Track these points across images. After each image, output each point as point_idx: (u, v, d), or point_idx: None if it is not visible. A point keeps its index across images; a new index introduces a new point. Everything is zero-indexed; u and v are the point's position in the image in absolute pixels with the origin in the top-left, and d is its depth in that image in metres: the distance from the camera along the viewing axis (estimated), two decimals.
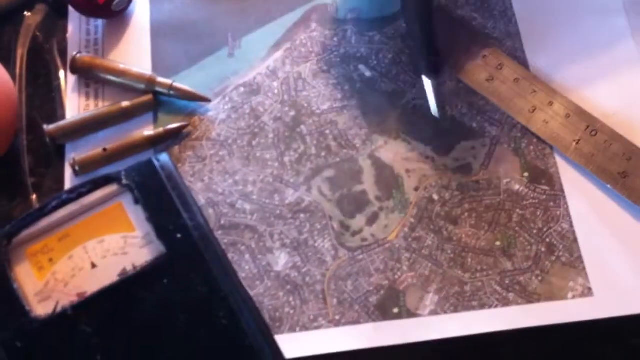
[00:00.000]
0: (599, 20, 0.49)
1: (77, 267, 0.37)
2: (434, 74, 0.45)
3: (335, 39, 0.49)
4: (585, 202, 0.44)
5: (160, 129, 0.45)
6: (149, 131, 0.45)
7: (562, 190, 0.44)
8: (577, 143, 0.44)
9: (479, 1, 0.50)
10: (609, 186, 0.43)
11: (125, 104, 0.46)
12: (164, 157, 0.39)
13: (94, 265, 0.37)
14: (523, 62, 0.48)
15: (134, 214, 0.38)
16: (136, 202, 0.38)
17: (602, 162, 0.44)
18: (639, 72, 0.47)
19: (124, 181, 0.38)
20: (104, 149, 0.44)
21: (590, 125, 0.45)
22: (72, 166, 0.44)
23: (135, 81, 0.46)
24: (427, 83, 0.45)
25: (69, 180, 0.45)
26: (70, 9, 0.49)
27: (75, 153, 0.45)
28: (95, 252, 0.38)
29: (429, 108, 0.46)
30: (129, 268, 0.37)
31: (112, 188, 0.39)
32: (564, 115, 0.45)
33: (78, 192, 0.38)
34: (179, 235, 0.37)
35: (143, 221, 0.38)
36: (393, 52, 0.48)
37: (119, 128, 0.46)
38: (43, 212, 0.38)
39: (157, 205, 0.38)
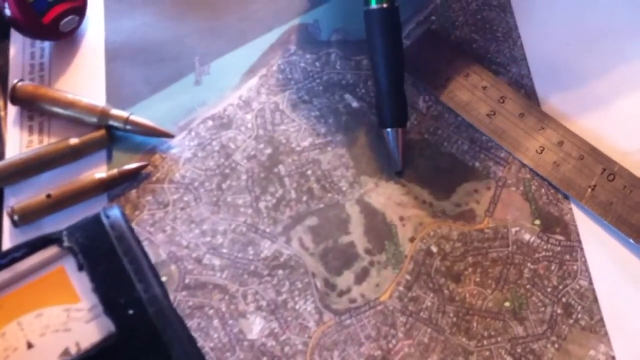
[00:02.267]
0: (617, 43, 0.43)
1: (10, 347, 0.31)
2: (401, 123, 0.39)
3: (318, 63, 0.43)
4: (606, 254, 0.38)
5: (115, 171, 0.39)
6: (101, 173, 0.39)
7: (579, 241, 0.38)
8: (592, 189, 0.39)
9: (479, 21, 0.44)
10: (630, 240, 0.37)
11: (73, 141, 0.39)
12: (114, 213, 0.33)
13: (30, 345, 0.31)
14: (530, 92, 0.42)
15: (79, 282, 0.32)
16: (80, 268, 0.32)
17: (622, 211, 0.38)
18: None
19: (66, 243, 0.32)
20: (48, 195, 0.38)
21: (607, 168, 0.39)
22: (11, 216, 0.38)
23: (86, 114, 0.40)
24: (392, 134, 0.39)
25: (7, 232, 0.38)
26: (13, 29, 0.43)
27: (15, 199, 0.39)
28: (32, 328, 0.31)
29: (424, 145, 0.40)
30: (73, 349, 0.31)
31: (52, 251, 0.33)
32: (577, 157, 0.39)
33: (10, 258, 0.32)
34: (131, 311, 0.31)
35: (89, 291, 0.32)
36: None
37: (67, 169, 0.40)
38: None
39: (106, 272, 0.32)
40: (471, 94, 0.41)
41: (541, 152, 0.40)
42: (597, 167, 0.39)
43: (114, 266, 0.32)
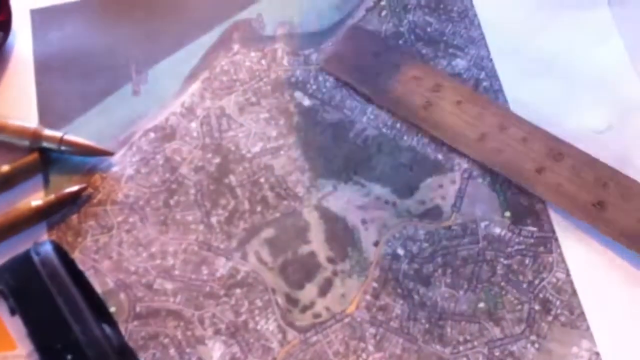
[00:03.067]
0: (578, 16, 0.41)
1: None
2: None
3: (264, 61, 0.40)
4: (582, 244, 0.36)
5: (52, 196, 0.36)
6: (37, 200, 0.36)
7: (553, 231, 0.36)
8: (539, 172, 0.36)
9: (433, 2, 0.42)
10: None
11: (4, 168, 0.36)
12: (45, 249, 0.30)
13: None
14: (491, 74, 0.40)
15: (13, 327, 0.30)
16: (12, 312, 0.29)
17: (573, 192, 0.36)
18: (630, 78, 0.39)
19: None
20: None
21: (553, 148, 0.37)
22: None
23: (17, 137, 0.37)
24: None
25: None
26: None
27: None
28: None
29: (382, 139, 0.37)
30: None
31: None
32: (521, 139, 0.37)
33: None
34: (69, 357, 0.28)
35: (25, 336, 0.29)
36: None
37: (0, 198, 0.37)
38: None
39: (40, 315, 0.29)
40: (403, 86, 0.38)
41: (482, 140, 0.37)
42: (542, 148, 0.37)
43: (47, 308, 0.29)
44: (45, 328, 0.28)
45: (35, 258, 0.30)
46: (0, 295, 0.29)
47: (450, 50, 0.40)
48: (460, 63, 0.40)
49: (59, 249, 0.31)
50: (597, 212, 0.35)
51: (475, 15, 0.41)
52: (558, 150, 0.36)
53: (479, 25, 0.41)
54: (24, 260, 0.30)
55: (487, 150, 0.37)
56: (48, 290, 0.29)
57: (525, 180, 0.36)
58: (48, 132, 0.37)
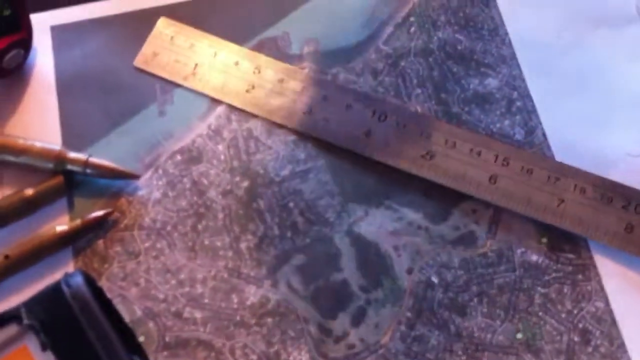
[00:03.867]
0: (612, 32, 0.40)
1: None
2: None
3: None
4: (622, 271, 0.35)
5: (77, 222, 0.35)
6: (62, 225, 0.35)
7: (591, 258, 0.35)
8: (493, 182, 0.36)
9: (462, 19, 0.41)
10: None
11: (28, 191, 0.35)
12: (76, 280, 0.29)
13: None
14: (524, 94, 0.39)
15: None
16: (44, 348, 0.28)
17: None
18: None
19: (26, 320, 0.28)
20: (6, 256, 0.34)
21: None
22: None
23: (41, 160, 0.36)
24: None
25: None
26: None
27: None
28: None
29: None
30: None
31: (11, 330, 0.29)
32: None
33: None
34: None
35: None
36: (364, 91, 0.39)
37: (24, 223, 0.36)
38: None
39: (71, 350, 0.28)
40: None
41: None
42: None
43: (80, 343, 0.28)
44: None
45: (66, 290, 0.29)
46: (31, 330, 0.28)
47: (482, 69, 0.39)
48: (492, 82, 0.39)
49: (88, 279, 0.30)
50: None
51: (506, 33, 0.40)
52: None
53: (510, 43, 0.40)
54: (55, 293, 0.29)
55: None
56: (80, 324, 0.28)
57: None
58: (73, 154, 0.36)
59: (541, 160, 0.36)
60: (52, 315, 0.28)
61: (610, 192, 0.35)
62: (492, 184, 0.36)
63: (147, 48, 0.40)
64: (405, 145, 0.37)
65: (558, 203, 0.36)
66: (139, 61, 0.39)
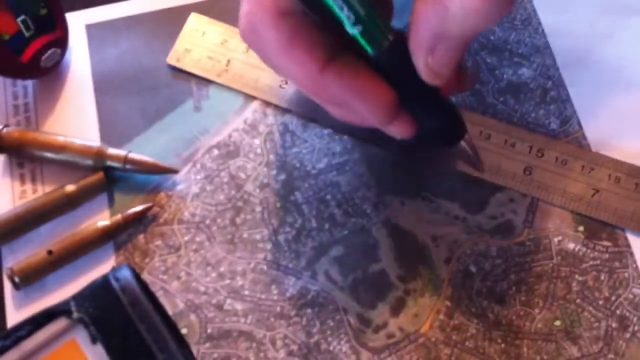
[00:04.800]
0: None
1: None
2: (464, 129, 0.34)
3: None
4: None
5: (118, 217, 0.36)
6: (104, 221, 0.36)
7: (628, 245, 0.35)
8: (529, 173, 0.36)
9: None
10: None
11: (69, 188, 0.36)
12: (124, 274, 0.30)
13: None
14: (558, 83, 0.39)
15: (94, 354, 0.29)
16: (94, 340, 0.29)
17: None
18: None
19: (75, 314, 0.29)
20: (49, 252, 0.35)
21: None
22: (11, 278, 0.34)
23: (81, 157, 0.37)
24: (465, 143, 0.34)
25: (9, 296, 0.35)
26: None
27: (14, 258, 0.36)
28: None
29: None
30: None
31: (61, 323, 0.30)
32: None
33: (15, 337, 0.29)
34: None
35: None
36: None
37: (66, 218, 0.36)
38: None
39: (122, 344, 0.29)
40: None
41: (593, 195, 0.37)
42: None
43: (130, 336, 0.29)
44: (128, 356, 0.28)
45: (115, 285, 0.29)
46: (81, 323, 0.29)
47: (515, 59, 0.39)
48: (526, 72, 0.39)
49: (134, 273, 0.30)
50: None
51: (539, 22, 0.40)
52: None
53: (543, 32, 0.40)
54: (104, 287, 0.29)
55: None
56: (130, 317, 0.29)
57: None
58: (112, 151, 0.37)
59: (575, 150, 0.36)
60: (101, 309, 0.29)
61: None
62: (527, 175, 0.36)
63: (179, 45, 0.40)
64: None
65: (593, 193, 0.36)
66: (171, 58, 0.40)
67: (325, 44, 0.28)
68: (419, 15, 0.26)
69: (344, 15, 0.26)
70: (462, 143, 0.33)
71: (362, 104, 0.28)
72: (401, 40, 0.27)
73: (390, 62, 0.28)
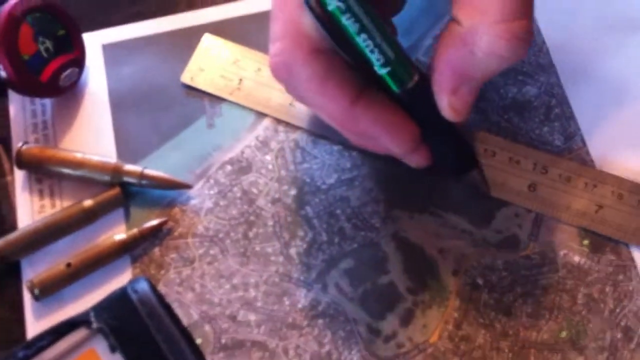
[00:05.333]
0: None
1: None
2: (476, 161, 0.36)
3: None
4: None
5: (135, 230, 0.37)
6: (120, 234, 0.37)
7: (632, 259, 0.36)
8: (532, 190, 0.37)
9: None
10: None
11: (87, 203, 0.37)
12: (141, 286, 0.31)
13: None
14: (562, 100, 0.40)
15: None
16: (112, 350, 0.30)
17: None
18: None
19: (95, 324, 0.30)
20: (68, 264, 0.36)
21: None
22: (30, 290, 0.35)
23: (98, 173, 0.38)
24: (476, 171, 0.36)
25: (29, 307, 0.36)
26: None
27: (33, 271, 0.37)
28: None
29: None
30: None
31: (81, 333, 0.31)
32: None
33: (37, 347, 0.30)
34: None
35: None
36: None
37: (83, 232, 0.37)
38: None
39: (139, 353, 0.30)
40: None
41: (597, 211, 0.38)
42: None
43: (148, 346, 0.30)
44: None
45: (133, 296, 0.30)
46: (100, 333, 0.30)
47: (520, 77, 0.40)
48: (530, 90, 0.40)
49: (151, 285, 0.31)
50: None
51: (544, 41, 0.41)
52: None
53: (547, 51, 0.41)
54: (122, 298, 0.30)
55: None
56: (147, 328, 0.30)
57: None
58: (128, 167, 0.38)
59: (578, 168, 0.37)
60: (120, 319, 0.30)
61: None
62: (531, 191, 0.37)
63: (192, 64, 0.41)
64: None
65: (597, 209, 0.37)
66: (185, 77, 0.41)
67: (355, 81, 0.29)
68: (444, 57, 0.28)
69: (374, 58, 0.28)
70: (474, 173, 0.35)
71: (388, 137, 0.30)
72: (425, 79, 0.29)
73: (414, 100, 0.30)
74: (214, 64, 0.41)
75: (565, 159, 0.38)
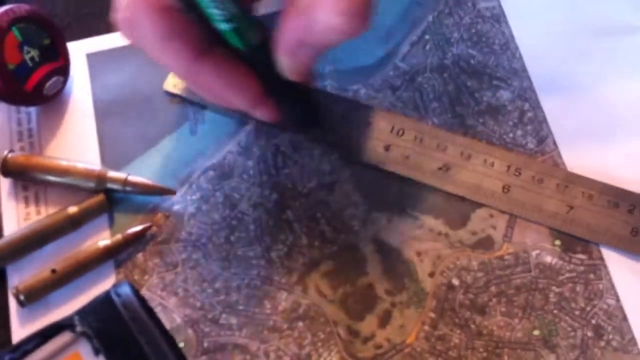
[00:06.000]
0: (617, 42, 0.42)
1: None
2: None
3: None
4: (631, 269, 0.37)
5: (119, 236, 0.38)
6: (104, 240, 0.38)
7: (602, 258, 0.37)
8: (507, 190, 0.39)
9: (474, 35, 0.43)
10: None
11: (72, 209, 0.38)
12: (124, 290, 0.32)
13: None
14: (535, 105, 0.41)
15: None
16: (96, 353, 0.31)
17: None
18: None
19: (79, 328, 0.31)
20: (53, 270, 0.37)
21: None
22: (16, 296, 0.36)
23: (83, 180, 0.39)
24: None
25: (15, 313, 0.37)
26: None
27: (19, 277, 0.37)
28: None
29: None
30: None
31: (65, 337, 0.31)
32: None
33: (22, 351, 0.31)
34: None
35: None
36: (384, 107, 0.41)
37: (68, 238, 0.38)
38: None
39: (123, 355, 0.30)
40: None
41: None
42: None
43: (131, 349, 0.30)
44: None
45: (117, 300, 0.31)
46: (84, 336, 0.31)
47: (494, 82, 0.42)
48: (504, 94, 0.41)
49: (133, 289, 0.32)
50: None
51: (517, 47, 0.42)
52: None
53: (520, 57, 0.42)
54: (106, 302, 0.31)
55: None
56: (130, 331, 0.30)
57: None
58: (112, 174, 0.39)
59: (550, 169, 0.39)
60: (104, 323, 0.31)
61: (615, 197, 0.37)
62: (505, 193, 0.38)
63: None
64: (422, 158, 0.39)
65: (567, 210, 0.38)
66: (167, 85, 0.42)
67: (199, 38, 0.31)
68: (287, 24, 0.30)
69: (217, 14, 0.29)
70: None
71: (231, 93, 0.33)
72: (268, 38, 0.31)
73: (258, 58, 0.32)
74: None
75: (538, 161, 0.39)
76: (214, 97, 0.35)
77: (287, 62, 0.32)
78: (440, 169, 0.39)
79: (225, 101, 0.35)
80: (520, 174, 0.38)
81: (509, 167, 0.39)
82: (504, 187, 0.38)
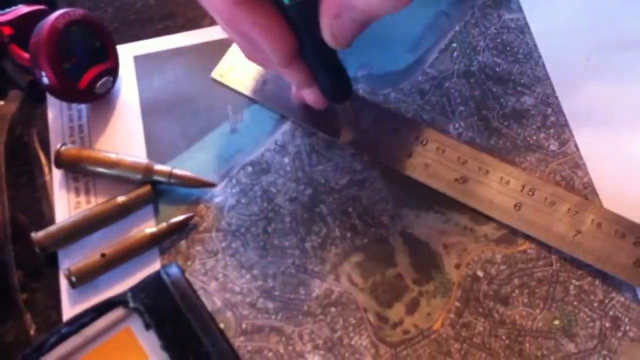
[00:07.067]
0: (636, 54, 0.44)
1: None
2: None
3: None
4: None
5: (164, 225, 0.40)
6: (150, 228, 0.40)
7: None
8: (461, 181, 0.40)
9: (500, 44, 0.45)
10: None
11: (121, 199, 0.41)
12: (173, 270, 0.34)
13: None
14: (557, 110, 0.43)
15: (146, 341, 0.33)
16: (147, 327, 0.33)
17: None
18: None
19: (132, 304, 0.33)
20: (103, 254, 0.39)
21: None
22: (68, 277, 0.39)
23: (131, 172, 0.41)
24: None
25: (66, 294, 0.39)
26: None
27: (70, 261, 0.40)
28: None
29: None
30: None
31: (118, 313, 0.34)
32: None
33: (79, 324, 0.33)
34: None
35: (158, 349, 0.33)
36: (412, 111, 0.44)
37: (116, 226, 0.41)
38: (40, 352, 0.32)
39: (172, 330, 0.33)
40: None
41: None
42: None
43: (180, 324, 0.33)
44: (178, 341, 0.32)
45: (166, 279, 0.34)
46: (136, 312, 0.33)
47: (519, 89, 0.44)
48: (528, 100, 0.44)
49: (182, 271, 0.35)
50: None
51: (540, 56, 0.45)
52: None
53: (543, 65, 0.45)
54: (156, 281, 0.34)
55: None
56: (179, 308, 0.33)
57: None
58: (159, 166, 0.41)
59: (564, 194, 0.40)
60: (154, 300, 0.33)
61: (623, 228, 0.39)
62: (516, 210, 0.40)
63: (224, 62, 0.45)
64: (442, 168, 0.41)
65: (575, 234, 0.39)
66: (215, 73, 0.44)
67: None
68: None
69: None
70: (347, 103, 0.39)
71: (265, 42, 0.33)
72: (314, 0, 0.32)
73: (300, 15, 0.32)
74: (244, 63, 0.44)
75: (552, 186, 0.40)
76: (252, 50, 0.35)
77: (329, 25, 0.32)
78: (457, 180, 0.41)
79: (261, 57, 0.35)
80: (533, 194, 0.40)
81: (523, 186, 0.40)
82: (515, 205, 0.40)
